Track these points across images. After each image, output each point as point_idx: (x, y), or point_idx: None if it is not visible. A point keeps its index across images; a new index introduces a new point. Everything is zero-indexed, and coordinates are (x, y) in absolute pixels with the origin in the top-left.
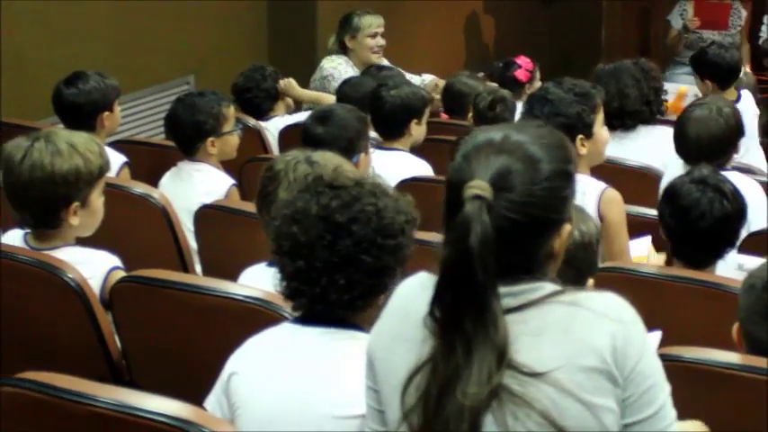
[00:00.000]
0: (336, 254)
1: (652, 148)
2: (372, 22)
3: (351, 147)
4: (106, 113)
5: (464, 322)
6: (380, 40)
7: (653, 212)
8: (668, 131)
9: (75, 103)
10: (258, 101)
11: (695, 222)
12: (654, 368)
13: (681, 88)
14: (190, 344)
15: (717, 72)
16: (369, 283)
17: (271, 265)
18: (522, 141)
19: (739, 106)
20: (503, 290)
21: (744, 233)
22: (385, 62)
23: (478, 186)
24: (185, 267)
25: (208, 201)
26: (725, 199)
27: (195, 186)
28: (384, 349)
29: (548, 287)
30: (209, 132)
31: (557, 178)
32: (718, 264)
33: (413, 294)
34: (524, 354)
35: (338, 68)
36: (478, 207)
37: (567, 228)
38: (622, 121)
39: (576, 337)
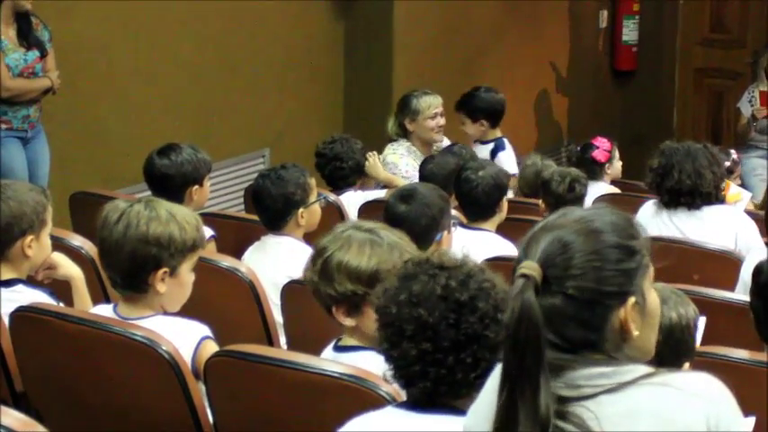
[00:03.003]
0: (462, 332)
1: (719, 227)
2: (432, 103)
3: (434, 225)
4: (195, 187)
5: (504, 398)
6: (441, 120)
7: (736, 296)
8: (732, 210)
9: (166, 174)
10: (345, 172)
11: None
12: None
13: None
14: (283, 419)
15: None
16: (491, 359)
17: (339, 349)
18: (583, 217)
19: None
20: (594, 370)
21: None
22: (446, 141)
23: (527, 266)
24: (270, 341)
25: (296, 275)
26: None
27: (282, 260)
28: (478, 426)
29: (640, 369)
30: (298, 203)
31: (615, 250)
32: None
33: None
34: None
35: (400, 162)
36: (521, 285)
37: (630, 300)
38: (693, 199)
39: (670, 418)
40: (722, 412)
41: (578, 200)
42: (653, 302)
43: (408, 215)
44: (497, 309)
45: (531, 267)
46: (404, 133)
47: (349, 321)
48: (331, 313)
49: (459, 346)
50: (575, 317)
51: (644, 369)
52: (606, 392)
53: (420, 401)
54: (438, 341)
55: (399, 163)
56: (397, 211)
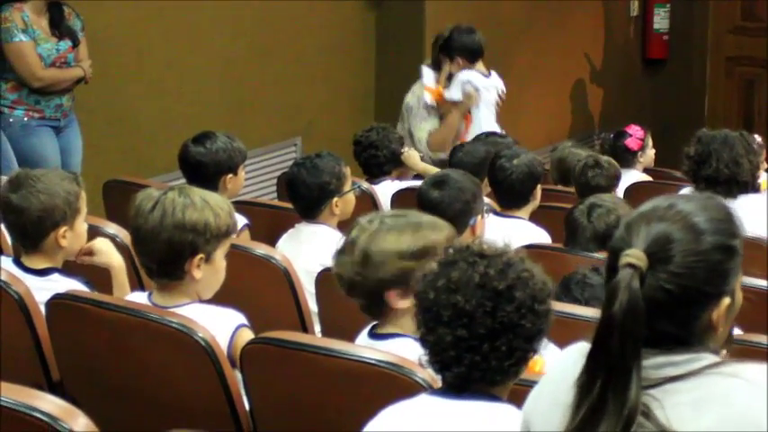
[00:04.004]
0: (498, 320)
1: (754, 216)
2: None
3: (467, 209)
4: (230, 176)
5: (596, 388)
6: None
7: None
8: (762, 199)
9: (201, 162)
10: (382, 160)
11: None
12: None
13: None
14: (319, 406)
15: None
16: (526, 348)
17: (375, 336)
18: (687, 211)
19: None
20: (663, 359)
21: None
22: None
23: (634, 255)
24: (305, 329)
25: (326, 261)
26: None
27: (316, 249)
28: (542, 414)
29: (709, 358)
30: (333, 193)
31: (718, 251)
32: None
33: (572, 361)
34: (683, 423)
35: (412, 99)
36: (629, 276)
37: (725, 301)
38: (730, 188)
39: (737, 409)
40: None
41: (601, 188)
42: (739, 300)
43: (442, 200)
44: (535, 299)
45: (638, 257)
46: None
47: (402, 303)
48: (368, 310)
49: (495, 334)
50: (669, 312)
51: (712, 358)
52: (673, 381)
53: (454, 387)
54: (474, 328)
55: (412, 102)
56: (430, 197)
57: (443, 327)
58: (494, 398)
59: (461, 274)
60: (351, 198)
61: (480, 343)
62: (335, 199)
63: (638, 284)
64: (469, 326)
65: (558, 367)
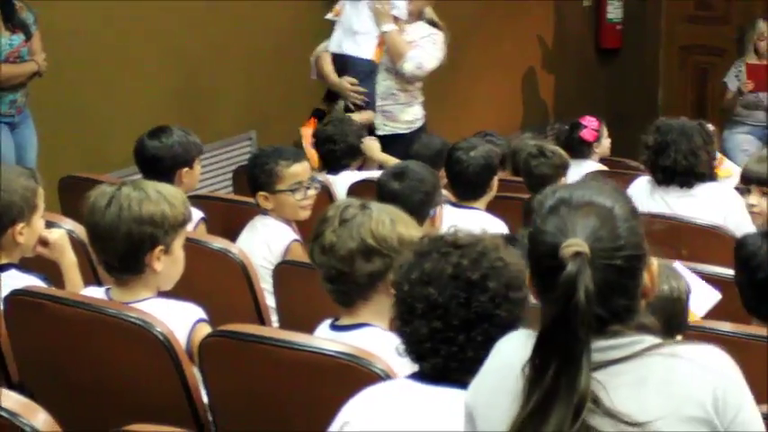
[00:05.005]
0: (473, 311)
1: (710, 206)
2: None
3: (427, 200)
4: (186, 170)
5: (550, 374)
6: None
7: (724, 271)
8: (724, 189)
9: (157, 156)
10: (339, 154)
11: (754, 272)
12: (754, 419)
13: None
14: (278, 398)
15: None
16: (502, 337)
17: (337, 328)
18: (589, 196)
19: None
20: (605, 343)
21: None
22: None
23: (576, 244)
24: (263, 322)
25: (269, 254)
26: None
27: (260, 239)
28: (484, 404)
29: (648, 339)
30: (261, 187)
31: (630, 217)
32: None
33: (513, 350)
34: (626, 404)
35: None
36: (581, 264)
37: (652, 261)
38: (687, 179)
39: (678, 388)
40: (729, 386)
41: (546, 176)
42: (654, 263)
43: (402, 192)
44: (509, 287)
45: (581, 245)
46: None
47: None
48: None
49: (470, 324)
50: (620, 287)
51: (652, 340)
52: (616, 363)
53: (431, 376)
54: (448, 320)
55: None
56: (390, 189)
57: (418, 319)
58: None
59: (434, 266)
60: (285, 198)
61: (456, 334)
62: (262, 193)
63: (588, 270)
64: (444, 317)
65: (498, 357)
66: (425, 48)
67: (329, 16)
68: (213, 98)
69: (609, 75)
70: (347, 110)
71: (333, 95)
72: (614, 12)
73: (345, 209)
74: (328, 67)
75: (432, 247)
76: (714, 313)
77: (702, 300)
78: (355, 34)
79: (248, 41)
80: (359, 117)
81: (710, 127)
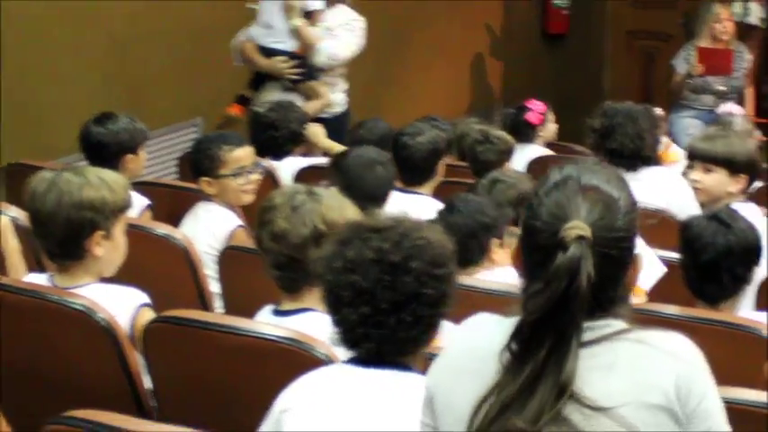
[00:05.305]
0: (399, 293)
1: (656, 189)
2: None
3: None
4: (130, 156)
5: (542, 355)
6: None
7: (669, 254)
8: (670, 173)
9: (102, 142)
10: (281, 140)
11: (699, 254)
12: (716, 409)
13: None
14: (221, 384)
15: None
16: (432, 314)
17: (279, 313)
18: (597, 181)
19: None
20: (585, 324)
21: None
22: None
23: (579, 227)
24: (206, 308)
25: (213, 241)
26: (730, 233)
27: (203, 226)
28: (445, 385)
29: (617, 324)
30: (204, 172)
31: (632, 211)
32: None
33: (477, 331)
34: (592, 388)
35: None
36: (584, 247)
37: (639, 257)
38: (633, 162)
39: (643, 375)
40: (694, 374)
41: (490, 162)
42: (639, 258)
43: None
44: (434, 265)
45: (583, 228)
46: None
47: None
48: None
49: (399, 306)
50: (608, 276)
51: (620, 324)
52: (587, 345)
53: (367, 360)
54: (376, 304)
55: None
56: (345, 175)
57: (347, 306)
58: (406, 367)
59: (356, 253)
60: (228, 183)
61: (386, 317)
62: (205, 179)
63: (589, 255)
64: (372, 302)
65: (460, 338)
66: (341, 36)
67: (250, 5)
68: (159, 85)
69: (555, 60)
70: (289, 86)
71: (258, 82)
72: None
73: (294, 195)
74: (255, 53)
75: (352, 234)
76: (659, 296)
77: (649, 273)
78: (273, 29)
79: (192, 28)
80: (313, 105)
81: (657, 111)
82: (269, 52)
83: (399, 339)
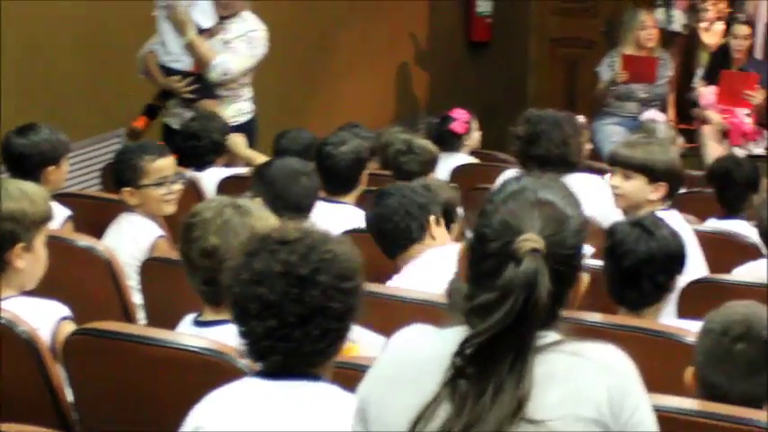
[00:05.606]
0: (306, 306)
1: (581, 194)
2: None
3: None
4: (52, 168)
5: (504, 369)
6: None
7: (592, 261)
8: (591, 178)
9: (23, 154)
10: (203, 151)
11: (620, 260)
12: (648, 420)
13: None
14: (143, 395)
15: None
16: (339, 327)
17: (201, 324)
18: (553, 197)
19: None
20: None
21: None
22: None
23: (533, 240)
24: (128, 319)
25: (136, 251)
26: (653, 239)
27: (126, 236)
28: (379, 396)
29: (551, 335)
30: (126, 182)
31: (583, 230)
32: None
33: (413, 342)
34: (531, 400)
35: None
36: (539, 260)
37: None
38: (559, 168)
39: (576, 387)
40: (627, 387)
41: (414, 173)
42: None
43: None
44: (341, 278)
45: (538, 241)
46: None
47: None
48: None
49: (305, 319)
50: (557, 292)
51: (554, 336)
52: None
53: (274, 373)
54: (283, 317)
55: None
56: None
57: (254, 319)
58: (314, 377)
59: (263, 265)
60: (150, 192)
61: (291, 330)
62: (127, 189)
63: (544, 268)
64: (278, 315)
65: (394, 350)
66: (237, 49)
67: (156, 14)
68: (81, 96)
69: (479, 68)
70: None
71: (168, 92)
72: (484, 5)
73: (222, 210)
74: (155, 68)
75: (260, 245)
76: (583, 304)
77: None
78: (167, 47)
79: (117, 39)
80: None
81: (580, 118)
82: (166, 71)
83: (306, 352)
